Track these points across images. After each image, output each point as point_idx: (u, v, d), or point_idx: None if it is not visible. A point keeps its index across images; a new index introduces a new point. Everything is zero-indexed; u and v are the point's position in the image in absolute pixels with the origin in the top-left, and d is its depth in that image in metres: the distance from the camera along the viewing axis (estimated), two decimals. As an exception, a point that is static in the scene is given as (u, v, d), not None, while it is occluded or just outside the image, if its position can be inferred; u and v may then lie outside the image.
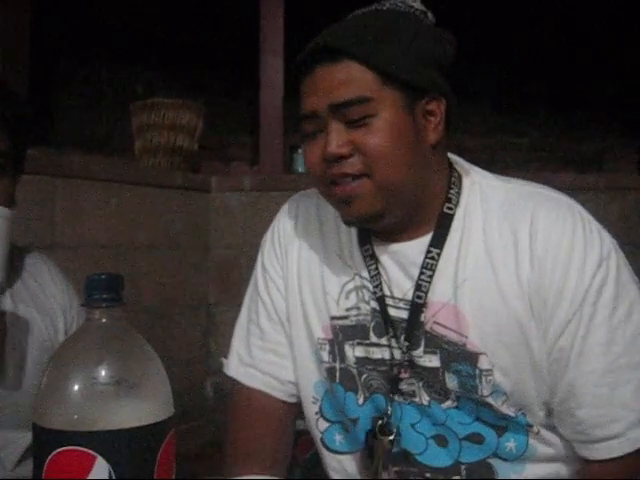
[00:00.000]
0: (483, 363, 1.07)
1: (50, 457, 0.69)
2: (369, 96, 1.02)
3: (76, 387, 0.70)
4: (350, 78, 1.03)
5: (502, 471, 1.10)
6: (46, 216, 2.51)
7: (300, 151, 3.47)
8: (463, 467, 1.11)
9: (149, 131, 3.25)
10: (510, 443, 1.09)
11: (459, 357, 1.08)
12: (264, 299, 1.27)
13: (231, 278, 3.27)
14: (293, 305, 1.24)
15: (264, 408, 1.26)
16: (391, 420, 1.13)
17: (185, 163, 3.31)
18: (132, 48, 4.14)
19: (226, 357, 1.31)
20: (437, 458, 1.12)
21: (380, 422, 1.13)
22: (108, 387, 0.70)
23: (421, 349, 1.11)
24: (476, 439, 1.10)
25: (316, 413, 1.23)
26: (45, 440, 0.70)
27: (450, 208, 1.12)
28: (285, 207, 1.30)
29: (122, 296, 0.75)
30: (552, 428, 1.11)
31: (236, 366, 1.28)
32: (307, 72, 1.06)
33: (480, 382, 1.07)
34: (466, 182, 1.15)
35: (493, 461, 1.11)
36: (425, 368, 1.10)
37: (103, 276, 0.73)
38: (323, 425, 1.23)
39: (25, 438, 1.21)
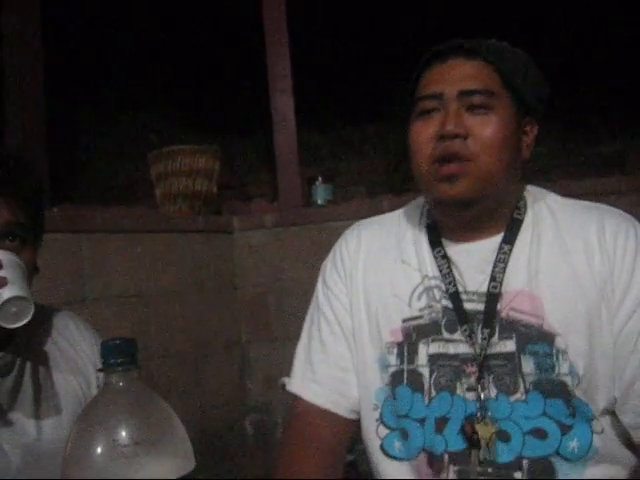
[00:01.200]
0: (559, 343, 1.14)
1: (80, 518, 0.73)
2: (493, 91, 1.17)
3: (98, 450, 0.74)
4: (480, 74, 1.18)
5: (562, 470, 1.14)
6: (74, 271, 2.56)
7: (317, 183, 3.51)
8: (525, 462, 1.14)
9: (168, 178, 3.30)
10: (573, 442, 1.13)
11: (536, 338, 1.15)
12: (327, 315, 1.33)
13: (261, 315, 3.29)
14: (358, 318, 1.29)
15: (323, 424, 1.29)
16: (485, 413, 1.16)
17: (206, 206, 3.35)
18: (145, 97, 4.22)
19: (285, 378, 1.35)
20: (499, 453, 1.15)
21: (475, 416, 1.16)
22: (129, 448, 0.74)
23: (496, 336, 1.17)
24: (540, 434, 1.14)
25: (377, 420, 1.26)
26: (74, 502, 0.74)
27: (519, 214, 1.24)
28: (347, 232, 1.39)
29: (137, 359, 0.78)
30: (615, 426, 1.16)
31: (299, 382, 1.32)
32: (438, 63, 1.20)
33: (557, 360, 1.14)
34: (530, 197, 1.27)
35: (555, 459, 1.14)
36: (500, 354, 1.16)
37: (117, 341, 0.77)
38: (383, 432, 1.26)
39: None
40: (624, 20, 4.23)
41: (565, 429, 1.14)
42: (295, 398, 1.31)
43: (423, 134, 1.19)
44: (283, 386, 1.35)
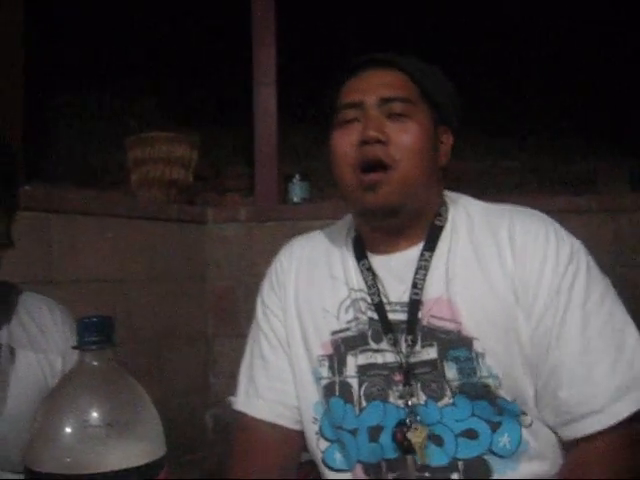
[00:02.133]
0: (477, 347, 1.16)
1: (43, 500, 0.70)
2: (412, 100, 1.21)
3: (67, 430, 0.71)
4: (398, 83, 1.22)
5: (497, 468, 1.16)
6: (42, 252, 2.52)
7: (294, 180, 3.49)
8: (460, 463, 1.17)
9: (144, 165, 3.26)
10: (504, 438, 1.16)
11: (455, 343, 1.17)
12: (265, 330, 1.36)
13: (229, 309, 3.27)
14: (291, 330, 1.32)
15: (269, 438, 1.30)
16: (415, 418, 1.18)
17: (181, 195, 3.32)
18: (125, 79, 4.17)
19: (230, 394, 1.36)
20: (434, 457, 1.17)
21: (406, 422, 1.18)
22: (99, 430, 0.71)
23: (419, 344, 1.19)
24: (471, 435, 1.16)
25: (316, 433, 1.28)
26: (37, 484, 0.71)
27: (440, 221, 1.26)
28: (281, 250, 1.42)
29: (113, 338, 0.75)
30: (544, 420, 1.18)
31: (242, 400, 1.33)
32: (358, 74, 1.24)
33: (477, 364, 1.16)
34: (452, 205, 1.30)
35: (489, 457, 1.16)
36: (424, 362, 1.18)
37: (94, 319, 0.74)
38: (323, 445, 1.28)
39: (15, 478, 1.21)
40: (602, 40, 4.27)
41: (495, 426, 1.16)
42: (240, 415, 1.32)
43: (344, 142, 1.22)
44: (230, 405, 1.36)
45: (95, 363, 0.74)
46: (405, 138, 1.19)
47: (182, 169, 3.30)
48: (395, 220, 1.23)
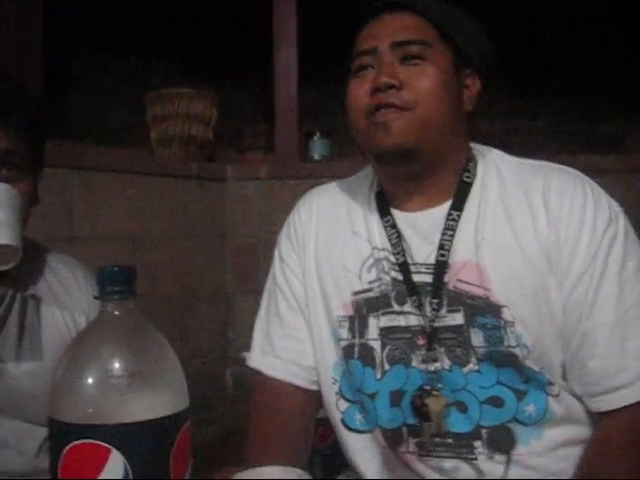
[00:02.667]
0: (506, 315, 1.12)
1: (65, 450, 0.70)
2: (429, 41, 1.15)
3: (90, 381, 0.70)
4: (414, 25, 1.16)
5: (522, 435, 1.14)
6: (64, 209, 2.52)
7: (314, 138, 3.46)
8: (484, 431, 1.14)
9: (164, 122, 3.24)
10: (529, 407, 1.13)
11: (483, 310, 1.13)
12: (283, 288, 1.31)
13: (248, 266, 3.26)
14: (311, 289, 1.28)
15: (286, 397, 1.28)
16: (436, 385, 1.15)
17: (200, 152, 3.30)
18: (144, 39, 4.13)
19: (248, 351, 1.33)
20: (458, 424, 1.14)
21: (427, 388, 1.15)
22: (122, 380, 0.70)
23: (444, 309, 1.15)
24: (496, 402, 1.13)
25: (336, 393, 1.25)
26: (60, 433, 0.71)
27: (469, 177, 1.20)
28: (299, 202, 1.36)
29: (135, 288, 0.74)
30: (571, 389, 1.15)
31: (258, 357, 1.31)
32: (372, 19, 1.19)
33: (505, 333, 1.12)
34: (481, 160, 1.23)
35: (513, 425, 1.14)
36: (449, 327, 1.14)
37: (115, 268, 0.73)
38: (343, 405, 1.25)
39: (44, 430, 1.22)
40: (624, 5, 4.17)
41: (521, 395, 1.13)
42: (256, 373, 1.31)
43: (359, 90, 1.17)
44: (244, 360, 1.33)
45: (117, 313, 0.73)
46: (421, 81, 1.13)
47: (202, 126, 3.28)
48: (414, 166, 1.16)
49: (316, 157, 3.45)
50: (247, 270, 3.26)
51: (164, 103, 3.23)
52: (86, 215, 2.60)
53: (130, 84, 4.26)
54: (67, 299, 1.34)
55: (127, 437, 0.69)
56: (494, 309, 1.12)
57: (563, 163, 1.24)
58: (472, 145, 1.26)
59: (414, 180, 1.19)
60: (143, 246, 2.85)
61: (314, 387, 1.29)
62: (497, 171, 1.21)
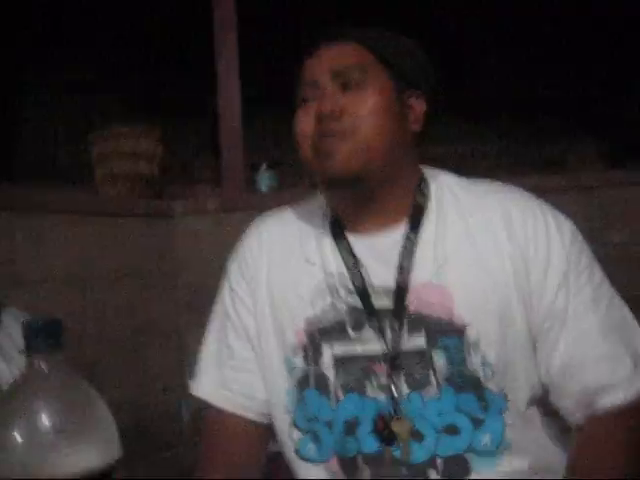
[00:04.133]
0: (471, 333, 1.12)
1: (-3, 510, 0.68)
2: (366, 67, 1.18)
3: (18, 437, 0.69)
4: (352, 52, 1.19)
5: (476, 465, 1.13)
6: (7, 253, 2.48)
7: (261, 169, 3.47)
8: (439, 461, 1.13)
9: (109, 160, 3.22)
10: (486, 436, 1.13)
11: (446, 331, 1.13)
12: (232, 318, 1.30)
13: (201, 302, 3.22)
14: (262, 319, 1.26)
15: (236, 430, 1.27)
16: (399, 408, 1.14)
17: (148, 189, 3.29)
18: (90, 77, 4.13)
19: (191, 378, 1.32)
20: (413, 453, 1.13)
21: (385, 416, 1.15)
22: (50, 436, 0.69)
23: (405, 332, 1.15)
24: (453, 431, 1.13)
25: (289, 424, 1.24)
26: (-10, 492, 0.69)
27: (422, 197, 1.22)
28: (248, 230, 1.35)
29: (62, 341, 0.73)
30: (528, 419, 1.16)
31: (207, 386, 1.30)
32: (313, 53, 1.22)
33: (469, 354, 1.12)
34: (433, 181, 1.25)
35: (468, 455, 1.13)
36: (411, 351, 1.14)
37: (40, 322, 0.72)
38: (297, 435, 1.24)
39: None
40: (574, 20, 4.29)
41: (478, 423, 1.13)
42: (205, 404, 1.30)
43: (304, 120, 1.20)
44: (189, 389, 1.33)
45: (44, 367, 0.72)
46: (360, 107, 1.15)
47: (147, 163, 3.27)
48: (362, 189, 1.18)
49: (263, 188, 3.46)
50: (199, 305, 3.23)
51: (108, 142, 3.22)
52: (31, 259, 2.56)
53: (74, 123, 4.24)
54: (14, 353, 1.32)
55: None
56: (457, 329, 1.13)
57: (514, 184, 1.27)
58: (422, 167, 1.27)
59: (366, 203, 1.20)
60: (92, 287, 2.81)
61: (264, 420, 1.28)
62: (451, 192, 1.22)
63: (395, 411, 1.14)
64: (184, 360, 3.23)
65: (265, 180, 3.47)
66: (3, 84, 3.56)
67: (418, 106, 1.22)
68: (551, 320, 1.14)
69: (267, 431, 1.29)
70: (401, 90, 1.20)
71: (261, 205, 3.26)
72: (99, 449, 0.71)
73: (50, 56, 4.05)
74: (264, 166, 3.47)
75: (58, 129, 4.29)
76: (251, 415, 1.27)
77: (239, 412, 1.27)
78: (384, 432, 1.13)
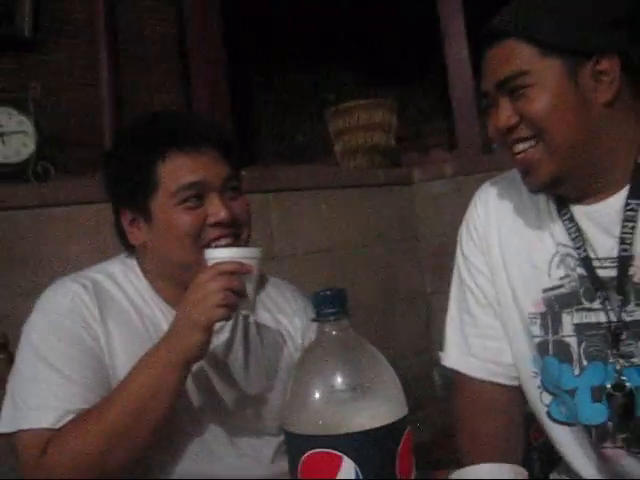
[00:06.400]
0: None
1: (302, 459, 0.77)
2: (527, 69, 1.11)
3: (317, 396, 0.78)
4: (511, 55, 1.12)
5: None
6: (263, 231, 2.67)
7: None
8: None
9: (346, 134, 3.34)
10: None
11: None
12: (471, 287, 1.31)
13: (444, 265, 3.26)
14: (500, 287, 1.27)
15: (489, 397, 1.28)
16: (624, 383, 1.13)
17: (385, 159, 3.37)
18: (317, 54, 4.27)
19: (441, 349, 1.35)
20: None
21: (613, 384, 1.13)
22: (345, 393, 0.77)
23: (632, 304, 1.12)
24: None
25: (538, 387, 1.24)
26: (296, 444, 0.79)
27: None
28: (475, 198, 1.34)
29: (348, 308, 0.81)
30: None
31: (455, 356, 1.32)
32: (482, 57, 1.18)
33: None
34: None
35: None
36: (637, 322, 1.11)
37: (329, 292, 0.80)
38: (547, 398, 1.24)
39: (276, 439, 1.33)
40: None
41: None
42: (455, 372, 1.32)
43: (491, 128, 1.18)
44: (439, 359, 1.36)
45: (334, 332, 0.80)
46: (532, 107, 1.11)
47: (383, 133, 3.35)
48: (569, 186, 1.16)
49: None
50: (443, 269, 3.27)
51: (344, 117, 3.33)
52: (284, 234, 2.74)
53: (308, 101, 4.42)
54: (285, 321, 1.43)
55: (356, 445, 0.75)
56: None
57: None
58: None
59: (583, 178, 1.16)
60: (340, 257, 2.95)
61: (515, 383, 1.28)
62: None
63: (633, 380, 1.12)
64: (431, 323, 3.30)
65: (501, 139, 3.41)
66: (240, 75, 3.79)
67: (610, 67, 1.10)
68: None
69: (520, 393, 1.29)
70: (578, 67, 1.10)
71: (498, 165, 3.24)
72: (390, 405, 0.78)
73: (278, 43, 4.23)
74: (499, 125, 3.41)
75: (295, 110, 4.48)
76: (501, 379, 1.28)
77: (489, 378, 1.28)
78: (624, 405, 1.13)
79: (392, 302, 3.16)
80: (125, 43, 3.33)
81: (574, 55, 1.10)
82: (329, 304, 0.80)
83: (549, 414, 1.24)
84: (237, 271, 1.16)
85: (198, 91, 3.30)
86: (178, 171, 1.27)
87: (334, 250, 2.94)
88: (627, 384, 1.12)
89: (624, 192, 1.14)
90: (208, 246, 1.25)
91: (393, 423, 0.77)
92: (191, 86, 3.33)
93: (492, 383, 1.28)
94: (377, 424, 0.75)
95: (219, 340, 1.33)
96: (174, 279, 1.31)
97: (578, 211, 1.18)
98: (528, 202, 1.25)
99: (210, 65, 3.32)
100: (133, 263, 1.36)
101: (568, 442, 1.23)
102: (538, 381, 1.24)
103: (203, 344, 1.17)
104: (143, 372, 1.19)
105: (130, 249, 1.36)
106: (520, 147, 1.13)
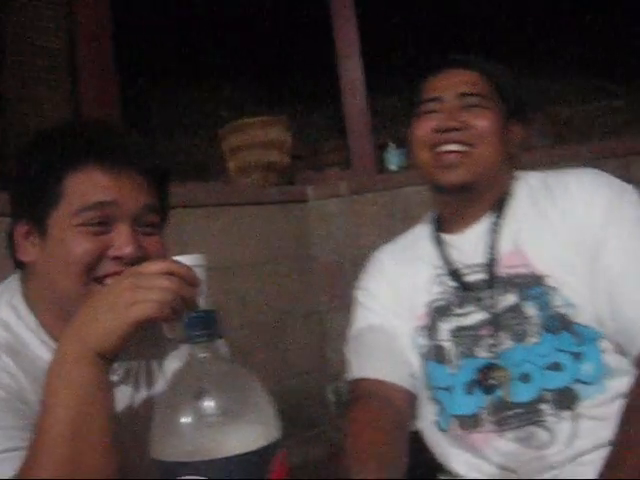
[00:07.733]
0: (550, 283, 1.29)
1: (171, 487, 0.74)
2: (487, 95, 1.40)
3: (186, 421, 0.75)
4: (475, 80, 1.41)
5: (585, 394, 1.25)
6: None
7: (389, 149, 3.48)
8: (549, 394, 1.26)
9: (240, 152, 3.32)
10: (587, 366, 1.25)
11: (530, 283, 1.31)
12: (372, 308, 1.49)
13: (338, 283, 3.29)
14: (396, 312, 1.46)
15: (384, 395, 1.39)
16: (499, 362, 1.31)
17: (280, 177, 3.37)
18: (213, 72, 4.24)
19: (345, 367, 1.48)
20: (525, 393, 1.27)
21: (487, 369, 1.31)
22: (215, 418, 0.75)
23: (500, 295, 1.33)
24: (557, 367, 1.26)
25: (428, 398, 1.39)
26: (164, 472, 0.76)
27: (507, 193, 1.42)
28: (370, 268, 1.55)
29: (218, 330, 0.79)
30: (616, 343, 1.27)
31: (356, 370, 1.44)
32: (439, 73, 1.43)
33: (552, 296, 1.28)
34: (516, 182, 1.44)
35: (575, 386, 1.25)
36: (507, 308, 1.31)
37: (199, 313, 0.78)
38: (434, 409, 1.38)
39: None
40: None
41: (577, 356, 1.26)
42: (357, 380, 1.44)
43: (425, 128, 1.39)
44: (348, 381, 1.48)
45: (204, 355, 0.78)
46: (480, 123, 1.36)
47: (278, 151, 3.34)
48: (468, 195, 1.38)
49: (392, 167, 3.46)
50: (337, 287, 3.30)
51: (239, 134, 3.31)
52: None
53: (203, 119, 4.38)
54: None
55: (226, 470, 0.73)
56: (538, 280, 1.30)
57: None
58: (515, 174, 1.46)
59: (464, 206, 1.40)
60: (232, 275, 2.92)
61: (410, 387, 1.41)
62: (526, 184, 1.42)
63: (496, 362, 1.29)
64: (326, 341, 3.30)
65: (394, 159, 3.47)
66: (132, 89, 3.72)
67: (517, 132, 1.44)
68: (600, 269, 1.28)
69: (412, 396, 1.42)
70: (506, 118, 1.41)
71: (392, 184, 3.32)
72: (261, 428, 0.76)
73: (169, 59, 4.19)
74: (392, 145, 3.47)
75: (189, 127, 4.44)
76: (396, 379, 1.40)
77: (384, 377, 1.40)
78: (486, 381, 1.30)
79: (286, 320, 3.15)
80: (12, 54, 3.21)
81: (505, 106, 1.41)
82: (199, 326, 0.78)
83: (438, 424, 1.37)
84: (189, 279, 0.96)
85: (87, 106, 3.20)
86: (87, 186, 1.08)
87: (226, 268, 2.91)
88: (495, 376, 1.30)
89: (490, 218, 1.40)
90: (100, 282, 1.07)
91: (263, 447, 0.75)
92: (80, 102, 3.23)
93: (385, 382, 1.40)
94: (246, 449, 0.74)
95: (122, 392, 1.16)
96: (56, 311, 1.11)
97: (453, 235, 1.43)
98: (414, 247, 1.50)
99: (101, 80, 3.23)
100: (18, 291, 1.16)
101: (444, 447, 1.37)
102: (430, 394, 1.38)
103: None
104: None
105: (19, 266, 1.16)
106: (452, 147, 1.35)
